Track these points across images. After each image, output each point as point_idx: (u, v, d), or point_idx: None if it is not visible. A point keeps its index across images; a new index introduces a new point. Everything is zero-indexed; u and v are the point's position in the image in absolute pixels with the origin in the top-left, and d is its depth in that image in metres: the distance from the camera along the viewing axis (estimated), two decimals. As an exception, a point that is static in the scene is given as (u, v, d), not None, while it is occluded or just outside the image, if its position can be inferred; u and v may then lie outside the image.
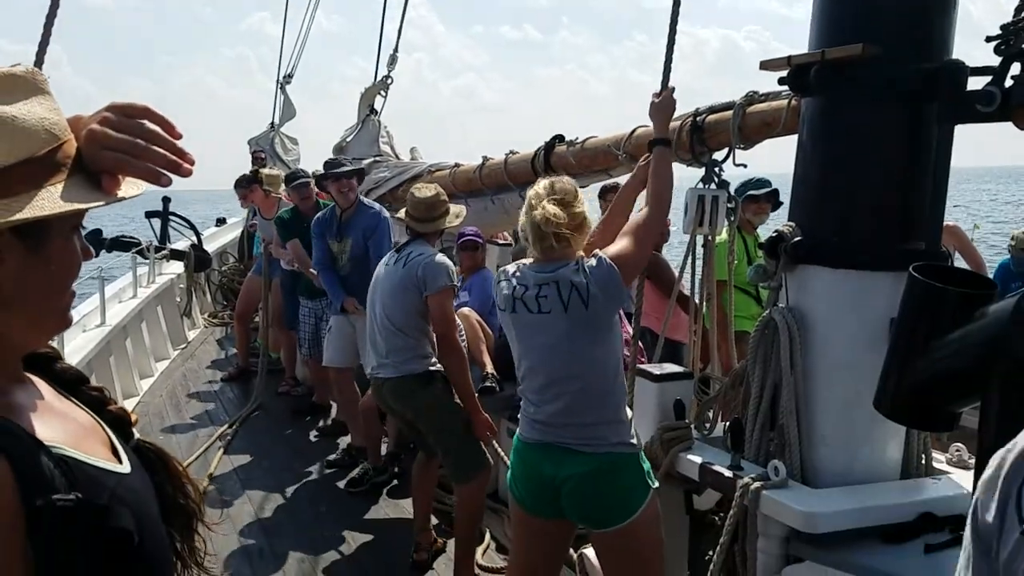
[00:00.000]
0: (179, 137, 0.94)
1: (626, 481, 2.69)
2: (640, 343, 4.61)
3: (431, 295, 3.67)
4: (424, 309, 3.70)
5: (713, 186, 3.63)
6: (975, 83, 2.48)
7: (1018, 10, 2.37)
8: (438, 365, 3.76)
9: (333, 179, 5.26)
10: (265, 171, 7.77)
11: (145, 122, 0.92)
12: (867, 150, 2.61)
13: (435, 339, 3.76)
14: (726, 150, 3.62)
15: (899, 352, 1.79)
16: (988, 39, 2.40)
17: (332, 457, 5.42)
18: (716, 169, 3.65)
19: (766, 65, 2.80)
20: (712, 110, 3.62)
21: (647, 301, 5.21)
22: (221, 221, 12.59)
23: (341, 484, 5.01)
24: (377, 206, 5.50)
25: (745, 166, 3.54)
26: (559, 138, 4.83)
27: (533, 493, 2.79)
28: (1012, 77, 2.37)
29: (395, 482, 4.97)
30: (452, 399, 3.76)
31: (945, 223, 5.57)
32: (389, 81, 7.93)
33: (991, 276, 5.39)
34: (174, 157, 0.92)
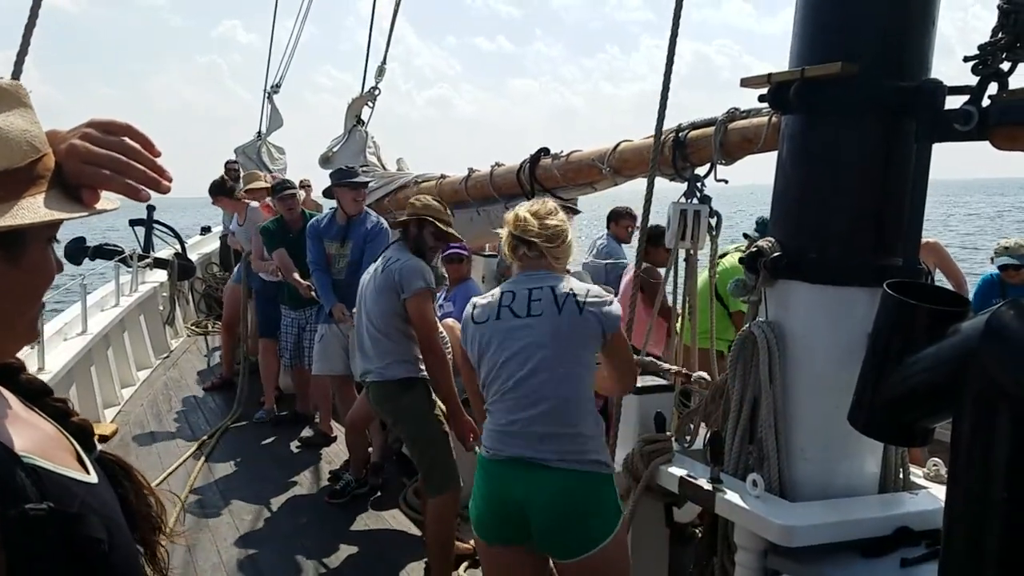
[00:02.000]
0: (158, 155, 0.96)
1: (602, 504, 2.61)
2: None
3: (408, 298, 3.73)
4: (404, 312, 3.75)
5: (695, 201, 3.67)
6: (952, 102, 2.52)
7: (995, 31, 2.41)
8: (422, 372, 3.79)
9: (350, 188, 5.35)
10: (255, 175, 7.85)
11: (125, 139, 0.94)
12: (845, 167, 2.64)
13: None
14: (708, 165, 3.66)
15: (873, 368, 1.81)
16: (966, 59, 2.44)
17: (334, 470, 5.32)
18: (698, 184, 3.69)
19: (747, 82, 2.83)
20: (694, 126, 3.66)
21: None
22: (206, 230, 12.54)
23: (323, 495, 4.98)
24: (380, 218, 5.57)
25: (726, 181, 3.58)
26: (544, 151, 4.86)
27: (498, 518, 2.64)
28: (989, 97, 2.41)
29: (378, 493, 4.95)
30: (431, 408, 3.78)
31: (925, 240, 5.64)
32: (376, 92, 7.93)
33: (973, 290, 5.46)
34: (153, 174, 0.94)
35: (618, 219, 6.91)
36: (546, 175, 4.75)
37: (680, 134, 3.67)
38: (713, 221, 3.65)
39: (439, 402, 3.82)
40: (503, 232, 2.83)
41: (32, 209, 0.86)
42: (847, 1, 2.61)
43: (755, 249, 2.85)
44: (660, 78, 3.22)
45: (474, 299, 2.92)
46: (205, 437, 6.00)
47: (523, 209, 2.77)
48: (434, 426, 3.75)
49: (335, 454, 5.68)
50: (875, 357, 1.82)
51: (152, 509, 1.08)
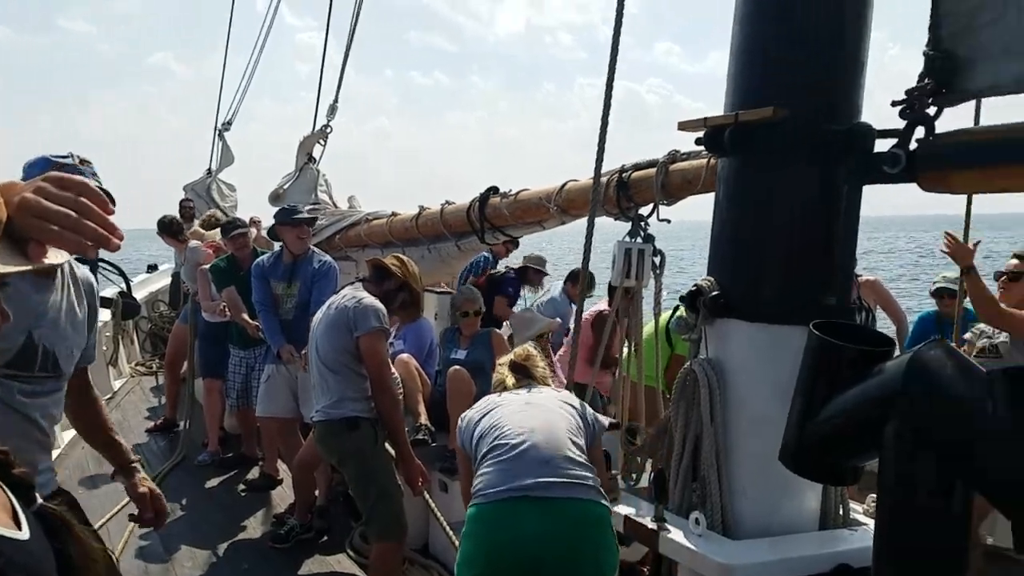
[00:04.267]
0: (111, 213, 0.97)
1: (611, 537, 2.67)
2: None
3: (361, 335, 3.67)
4: (355, 350, 3.69)
5: (639, 240, 3.71)
6: (881, 145, 2.60)
7: (921, 77, 2.50)
8: (370, 413, 3.71)
9: (292, 225, 5.26)
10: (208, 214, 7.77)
11: (80, 197, 0.95)
12: (779, 208, 2.70)
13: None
14: (651, 205, 3.71)
15: (801, 407, 1.84)
16: (894, 103, 2.52)
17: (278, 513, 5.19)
18: (642, 224, 3.74)
19: (684, 126, 2.89)
20: (637, 167, 3.72)
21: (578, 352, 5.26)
22: (152, 268, 12.31)
23: (267, 540, 4.86)
24: (327, 256, 5.49)
25: (669, 221, 3.63)
26: (493, 190, 4.89)
27: (507, 568, 2.57)
28: (916, 140, 2.49)
29: (324, 538, 4.84)
30: (378, 449, 3.70)
31: (866, 278, 5.74)
32: (328, 130, 7.93)
33: (912, 328, 5.57)
34: (103, 232, 0.95)
35: (575, 282, 6.81)
36: (496, 214, 4.77)
37: (623, 175, 3.73)
38: (657, 259, 3.70)
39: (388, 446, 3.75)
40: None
41: None
42: (779, 47, 2.68)
43: (695, 288, 2.89)
44: (594, 116, 3.27)
45: None
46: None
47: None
48: (379, 468, 3.68)
49: (282, 497, 5.55)
50: (803, 397, 1.85)
51: (96, 562, 1.05)
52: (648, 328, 4.17)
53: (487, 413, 2.88)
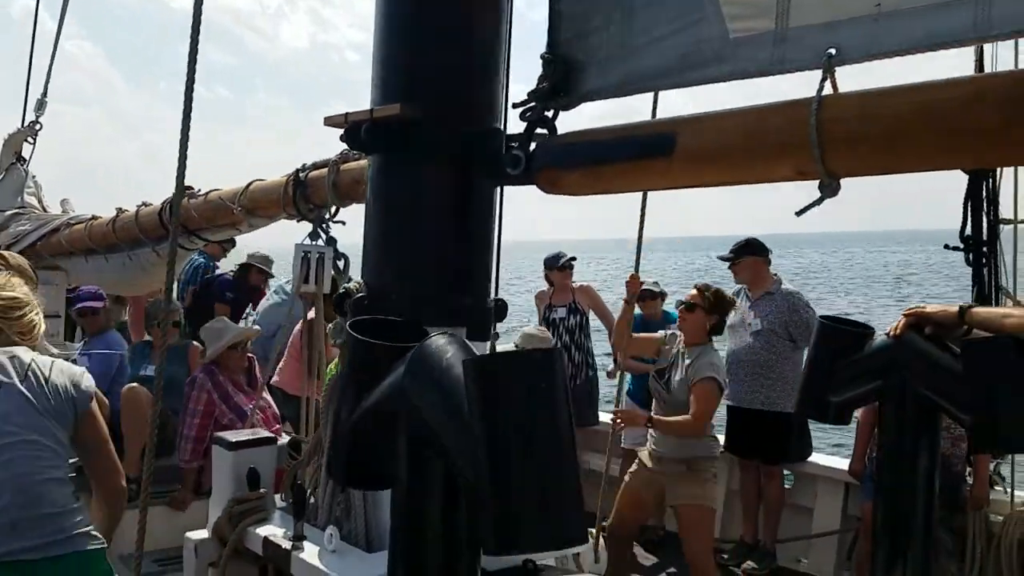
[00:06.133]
0: None
1: None
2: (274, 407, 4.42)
3: None
4: None
5: (321, 242, 3.56)
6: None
7: (540, 80, 2.52)
8: None
9: None
10: None
11: None
12: (417, 209, 2.63)
13: None
14: (334, 207, 3.57)
15: (337, 409, 1.75)
16: (515, 106, 2.53)
17: None
18: (323, 225, 3.59)
19: (329, 121, 2.76)
20: (315, 166, 3.57)
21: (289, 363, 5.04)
22: None
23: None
24: None
25: (344, 223, 3.50)
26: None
27: None
28: (536, 143, 2.51)
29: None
30: None
31: (580, 284, 5.96)
32: (38, 127, 7.15)
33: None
34: None
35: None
36: (186, 215, 4.41)
37: (301, 174, 3.56)
38: (341, 263, 3.56)
39: None
40: None
41: None
42: (411, 44, 2.61)
43: (343, 291, 2.77)
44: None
45: None
46: None
47: None
48: None
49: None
50: (343, 398, 1.76)
51: None
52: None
53: None
